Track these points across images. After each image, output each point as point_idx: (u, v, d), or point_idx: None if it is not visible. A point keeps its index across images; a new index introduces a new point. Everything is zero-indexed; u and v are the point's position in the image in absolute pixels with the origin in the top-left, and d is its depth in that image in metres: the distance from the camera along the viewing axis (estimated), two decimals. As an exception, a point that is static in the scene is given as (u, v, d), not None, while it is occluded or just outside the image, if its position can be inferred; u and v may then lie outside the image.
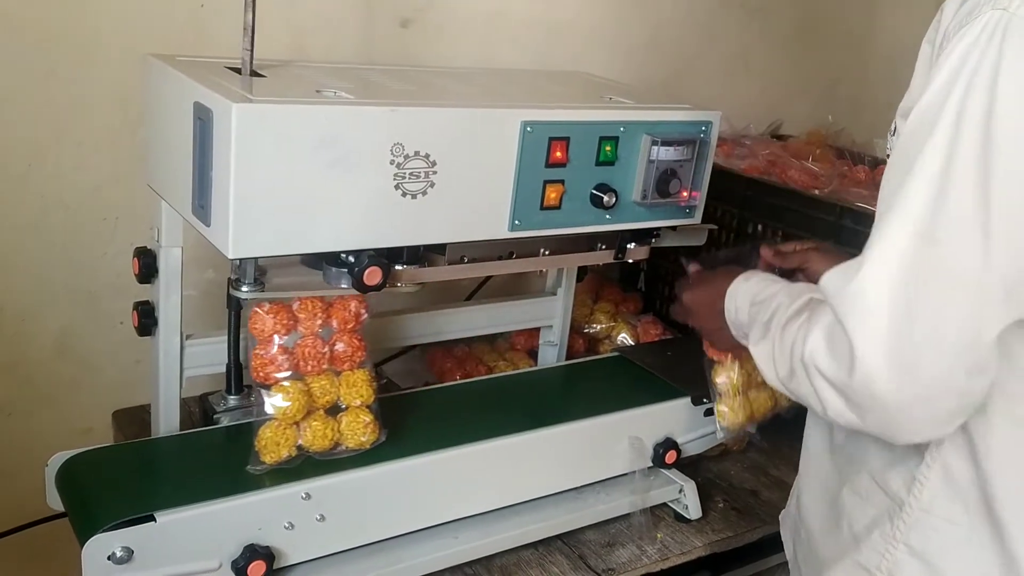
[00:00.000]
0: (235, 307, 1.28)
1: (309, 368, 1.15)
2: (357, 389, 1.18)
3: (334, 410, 1.18)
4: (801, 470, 1.18)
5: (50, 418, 1.54)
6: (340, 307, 1.18)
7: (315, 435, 1.16)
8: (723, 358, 1.38)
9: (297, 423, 1.15)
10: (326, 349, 1.16)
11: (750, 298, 1.14)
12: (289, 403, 1.13)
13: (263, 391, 1.15)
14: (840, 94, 2.43)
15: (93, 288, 1.54)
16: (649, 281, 2.09)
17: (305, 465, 1.16)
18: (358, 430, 1.18)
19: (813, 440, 1.15)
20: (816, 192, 1.75)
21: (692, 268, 1.33)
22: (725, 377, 1.38)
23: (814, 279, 1.21)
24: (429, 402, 1.41)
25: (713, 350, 1.35)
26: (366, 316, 1.19)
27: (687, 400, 1.48)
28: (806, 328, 0.95)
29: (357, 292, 1.13)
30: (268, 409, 1.13)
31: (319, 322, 1.16)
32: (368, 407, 1.20)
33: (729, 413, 1.40)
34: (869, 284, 0.87)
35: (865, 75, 2.46)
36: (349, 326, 1.18)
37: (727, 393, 1.39)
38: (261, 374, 1.14)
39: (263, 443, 1.14)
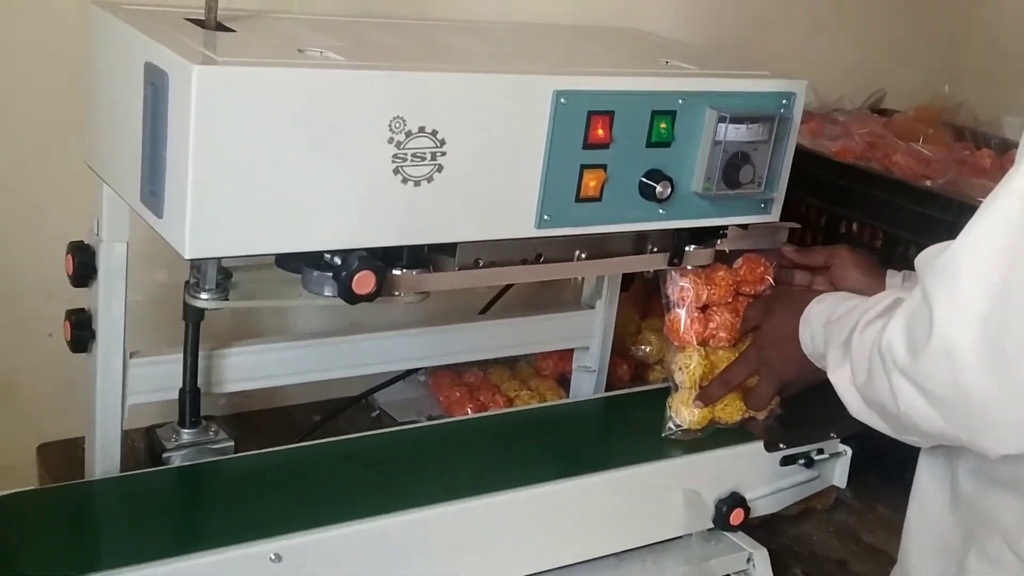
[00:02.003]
0: (193, 318, 1.30)
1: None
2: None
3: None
4: (909, 530, 1.19)
5: (-41, 453, 1.56)
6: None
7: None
8: (686, 343, 1.43)
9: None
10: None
11: (824, 319, 1.20)
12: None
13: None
14: (960, 58, 2.42)
15: (14, 291, 1.55)
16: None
17: (274, 521, 1.17)
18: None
19: (928, 490, 1.16)
20: (928, 183, 1.75)
21: (786, 251, 1.46)
22: (682, 366, 1.43)
23: (839, 280, 1.37)
24: (433, 441, 1.42)
25: (673, 332, 1.42)
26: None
27: (759, 445, 1.48)
28: (887, 318, 1.01)
29: (346, 302, 1.15)
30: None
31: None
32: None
33: (684, 409, 1.43)
34: (964, 254, 0.91)
35: (993, 34, 2.44)
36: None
37: (684, 385, 1.43)
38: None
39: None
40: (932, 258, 0.97)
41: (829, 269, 1.43)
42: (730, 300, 1.44)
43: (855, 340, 1.09)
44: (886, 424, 1.08)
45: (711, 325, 1.43)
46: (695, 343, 1.43)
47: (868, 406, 1.09)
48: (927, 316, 0.94)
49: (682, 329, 1.42)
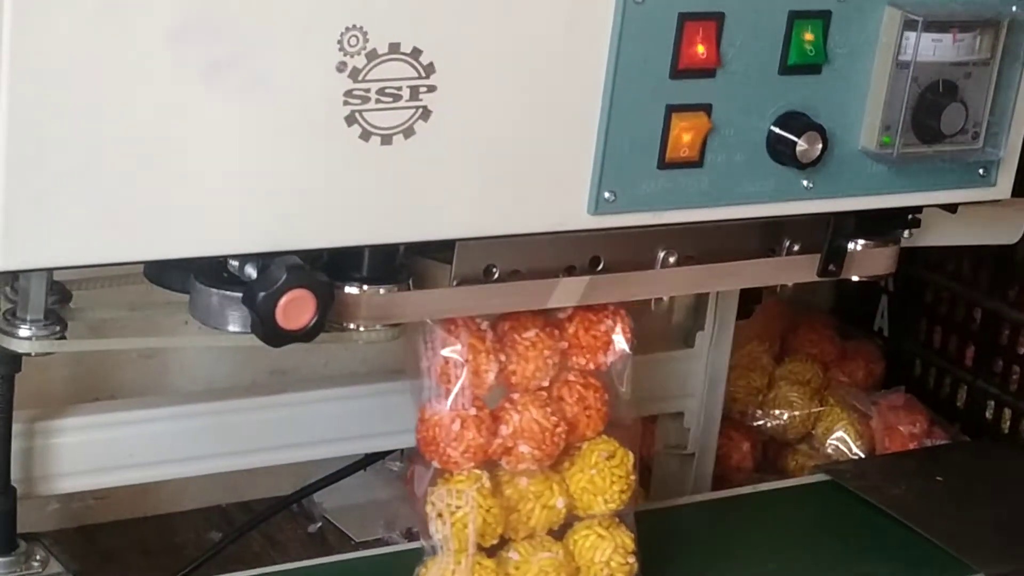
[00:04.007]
0: (4, 369, 1.30)
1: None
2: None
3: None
4: None
5: None
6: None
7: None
8: (451, 465, 1.34)
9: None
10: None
11: None
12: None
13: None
14: None
15: None
16: (899, 317, 2.10)
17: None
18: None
19: None
20: None
21: None
22: (443, 511, 1.33)
23: None
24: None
25: (428, 444, 1.33)
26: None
27: (979, 583, 1.50)
28: None
29: (265, 342, 1.16)
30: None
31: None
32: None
33: None
34: None
35: None
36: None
37: (447, 545, 1.34)
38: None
39: None
40: None
41: None
42: (546, 385, 1.37)
43: None
44: None
45: (504, 431, 1.35)
46: (471, 465, 1.34)
47: None
48: None
49: (445, 437, 1.32)
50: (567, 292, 1.30)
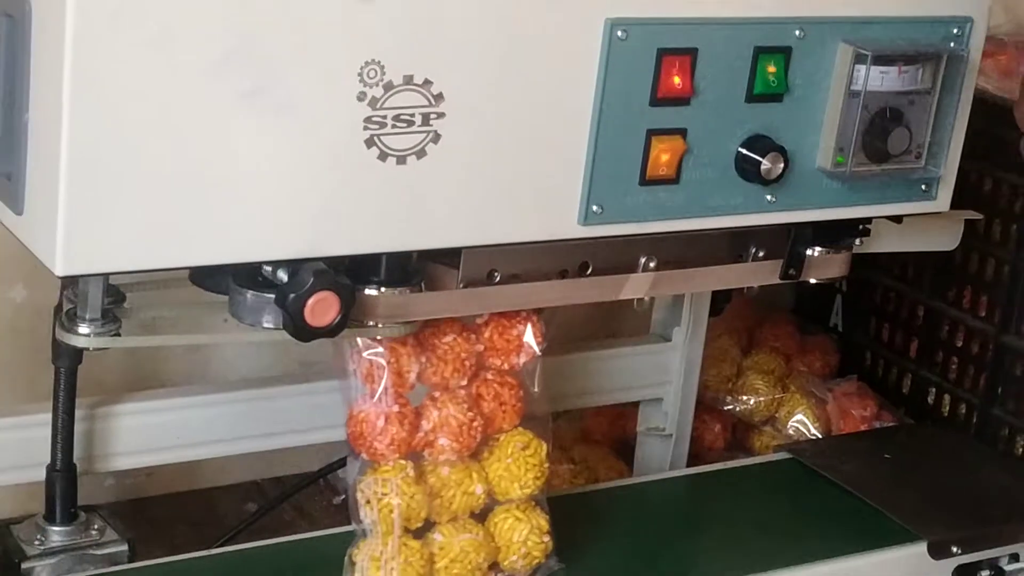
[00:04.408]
0: (67, 362, 1.31)
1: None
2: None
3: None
4: None
5: None
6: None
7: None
8: (378, 457, 1.30)
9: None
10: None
11: None
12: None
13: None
14: None
15: None
16: (851, 314, 2.10)
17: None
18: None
19: None
20: None
21: None
22: (371, 497, 1.30)
23: None
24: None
25: (357, 437, 1.30)
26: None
27: (920, 549, 1.49)
28: None
29: (295, 338, 1.16)
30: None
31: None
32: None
33: (373, 570, 1.30)
34: None
35: None
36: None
37: (376, 530, 1.30)
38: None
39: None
40: None
41: None
42: (464, 384, 1.34)
43: None
44: None
45: (425, 426, 1.32)
46: (396, 457, 1.30)
47: None
48: None
49: (372, 432, 1.29)
50: (560, 292, 1.30)
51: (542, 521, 1.35)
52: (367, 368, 1.27)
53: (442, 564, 1.31)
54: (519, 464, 1.33)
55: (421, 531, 1.31)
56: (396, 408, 1.28)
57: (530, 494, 1.35)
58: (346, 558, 1.30)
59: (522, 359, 1.34)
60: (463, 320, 1.32)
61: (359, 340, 1.25)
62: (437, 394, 1.31)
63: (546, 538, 1.35)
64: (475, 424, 1.31)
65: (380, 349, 1.26)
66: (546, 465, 1.36)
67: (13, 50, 1.06)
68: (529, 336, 1.34)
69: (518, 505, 1.35)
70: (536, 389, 1.36)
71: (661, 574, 1.41)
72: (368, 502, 1.28)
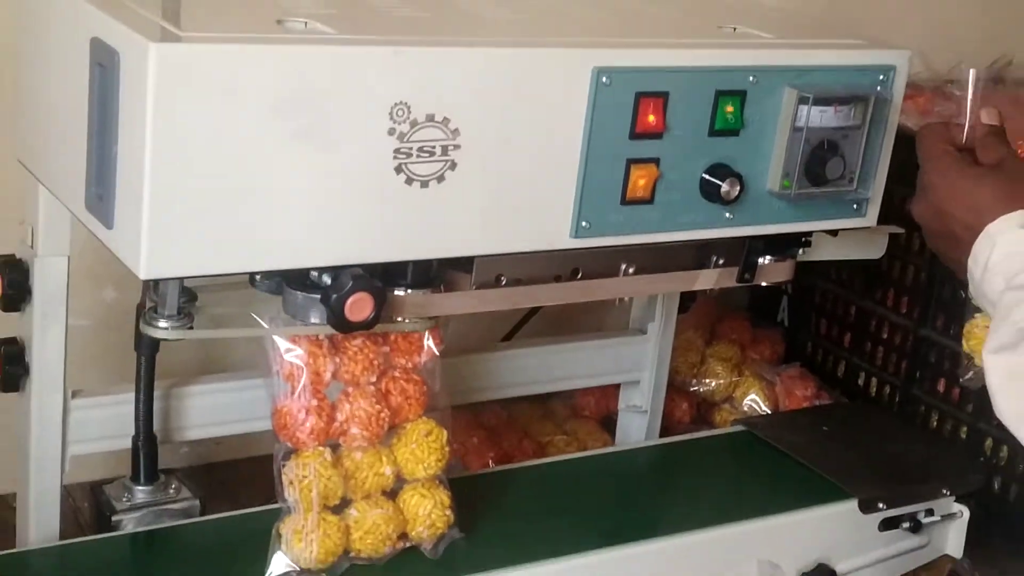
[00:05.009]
0: (148, 350, 1.32)
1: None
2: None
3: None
4: None
5: None
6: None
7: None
8: (299, 444, 1.27)
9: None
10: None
11: (1010, 272, 1.17)
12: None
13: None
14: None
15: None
16: (796, 311, 2.10)
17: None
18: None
19: None
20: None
21: (986, 116, 1.37)
22: (294, 479, 1.26)
23: None
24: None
25: (281, 427, 1.27)
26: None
27: (851, 505, 1.49)
28: None
29: (336, 330, 1.17)
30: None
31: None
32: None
33: (298, 542, 1.26)
34: None
35: None
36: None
37: (298, 507, 1.26)
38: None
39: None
40: None
41: None
42: (373, 380, 1.30)
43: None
44: None
45: (340, 417, 1.28)
46: (315, 444, 1.27)
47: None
48: None
49: (294, 423, 1.26)
50: (555, 294, 1.30)
51: (445, 497, 1.33)
52: (288, 368, 1.25)
53: (357, 535, 1.29)
54: (423, 448, 1.31)
55: (339, 508, 1.29)
56: (314, 403, 1.25)
57: (433, 474, 1.32)
58: (273, 531, 1.27)
59: (423, 359, 1.32)
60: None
61: (280, 343, 1.24)
62: (350, 390, 1.28)
63: (448, 511, 1.32)
64: (383, 415, 1.28)
65: (300, 351, 1.24)
66: (447, 449, 1.33)
67: (104, 93, 1.06)
68: (429, 339, 1.32)
69: (423, 484, 1.32)
70: (437, 385, 1.34)
71: (637, 525, 1.41)
72: (291, 483, 1.25)
